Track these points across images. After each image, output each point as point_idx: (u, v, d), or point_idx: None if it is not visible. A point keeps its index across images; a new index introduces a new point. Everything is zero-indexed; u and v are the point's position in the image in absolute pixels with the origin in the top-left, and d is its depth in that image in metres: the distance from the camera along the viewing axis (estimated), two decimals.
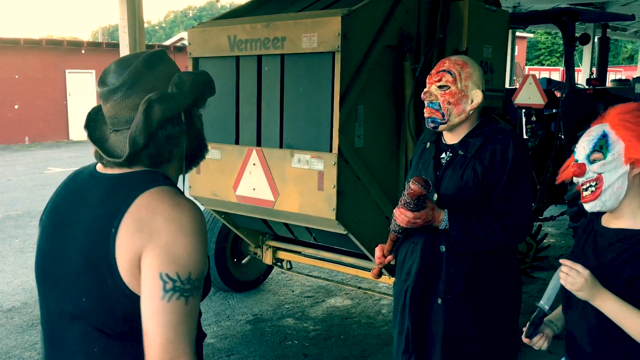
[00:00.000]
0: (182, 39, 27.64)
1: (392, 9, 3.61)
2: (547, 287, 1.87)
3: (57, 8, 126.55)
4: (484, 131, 2.32)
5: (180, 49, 21.53)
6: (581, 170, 1.74)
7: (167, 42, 29.81)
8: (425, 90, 2.37)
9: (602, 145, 1.73)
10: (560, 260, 1.75)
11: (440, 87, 2.32)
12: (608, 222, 1.80)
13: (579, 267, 1.69)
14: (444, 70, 2.33)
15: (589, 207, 1.75)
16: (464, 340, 2.30)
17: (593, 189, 1.73)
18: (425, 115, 2.36)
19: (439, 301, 2.31)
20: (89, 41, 23.87)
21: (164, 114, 1.35)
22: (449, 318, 2.30)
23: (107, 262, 1.31)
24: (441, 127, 2.35)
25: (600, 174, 1.71)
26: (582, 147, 1.77)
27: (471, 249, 2.24)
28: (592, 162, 1.73)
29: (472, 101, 2.32)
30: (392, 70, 3.71)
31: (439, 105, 2.31)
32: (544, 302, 1.85)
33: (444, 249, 2.29)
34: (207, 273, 1.44)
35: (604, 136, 1.73)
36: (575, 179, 1.77)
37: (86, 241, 1.34)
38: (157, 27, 73.73)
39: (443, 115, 2.32)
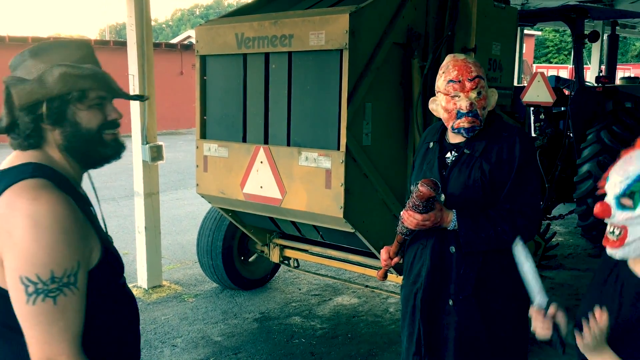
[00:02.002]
0: (189, 37, 27.66)
1: (400, 6, 3.59)
2: (527, 283, 1.68)
3: (64, 7, 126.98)
4: (489, 129, 2.29)
5: (188, 47, 21.55)
6: (605, 213, 1.50)
7: (174, 40, 29.83)
8: (460, 100, 2.20)
9: (636, 191, 1.47)
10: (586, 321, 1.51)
11: (478, 93, 2.22)
12: (635, 265, 1.58)
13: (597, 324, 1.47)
14: (478, 77, 2.22)
15: (609, 252, 1.55)
16: (477, 341, 2.28)
17: (616, 237, 1.51)
18: (465, 125, 2.21)
19: (450, 302, 2.29)
20: (96, 39, 23.91)
21: (19, 99, 1.38)
22: (461, 319, 2.28)
23: None
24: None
25: (626, 225, 1.49)
26: (614, 184, 1.51)
27: (481, 248, 2.22)
28: (622, 206, 1.49)
29: (490, 102, 2.29)
30: (400, 67, 3.69)
31: (477, 112, 2.22)
32: (540, 300, 1.64)
33: (454, 250, 2.27)
34: (110, 254, 1.45)
35: None
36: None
37: None
38: (164, 25, 73.86)
39: (481, 121, 2.24)
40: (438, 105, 2.31)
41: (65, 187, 1.40)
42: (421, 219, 2.16)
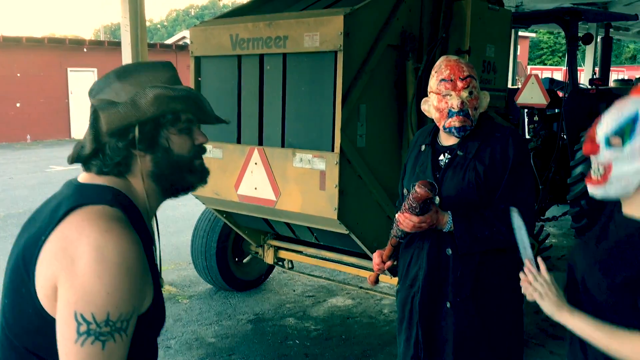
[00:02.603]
0: (184, 37, 27.65)
1: (394, 8, 3.60)
2: (521, 246, 1.79)
3: (59, 6, 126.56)
4: (482, 131, 2.30)
5: (182, 48, 21.53)
6: (593, 150, 1.55)
7: (169, 41, 29.81)
8: (451, 99, 2.22)
9: (626, 131, 1.49)
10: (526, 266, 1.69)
11: (470, 93, 2.23)
12: (630, 208, 1.60)
13: (544, 275, 1.62)
14: (470, 77, 2.23)
15: (589, 190, 1.59)
16: (475, 342, 2.29)
17: (599, 175, 1.55)
18: (456, 124, 2.22)
19: (448, 305, 2.29)
20: (91, 40, 23.86)
21: (109, 124, 1.29)
22: (459, 321, 2.28)
23: (26, 269, 1.24)
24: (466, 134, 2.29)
25: (611, 162, 1.52)
26: (606, 123, 1.54)
27: (477, 249, 2.23)
28: (610, 145, 1.52)
29: (482, 103, 2.30)
30: (394, 69, 3.70)
31: (468, 112, 2.23)
32: (528, 256, 1.74)
33: (450, 252, 2.27)
34: (158, 304, 1.35)
35: (634, 121, 1.49)
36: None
37: (25, 243, 1.29)
38: (159, 26, 73.74)
39: (472, 121, 2.25)
40: (430, 106, 2.32)
41: (137, 222, 1.32)
42: (418, 221, 2.15)
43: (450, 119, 2.23)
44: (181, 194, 1.46)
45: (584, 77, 12.25)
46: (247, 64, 3.82)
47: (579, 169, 6.23)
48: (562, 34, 6.75)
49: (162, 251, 6.20)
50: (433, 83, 2.29)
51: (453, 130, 2.25)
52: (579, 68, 8.21)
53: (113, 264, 1.18)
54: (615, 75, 21.81)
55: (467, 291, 2.26)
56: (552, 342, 4.29)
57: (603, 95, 6.97)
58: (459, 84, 2.22)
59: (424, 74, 3.68)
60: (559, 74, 25.55)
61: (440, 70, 2.26)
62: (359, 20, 3.38)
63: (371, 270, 2.60)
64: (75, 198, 1.28)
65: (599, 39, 9.37)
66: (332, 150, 3.41)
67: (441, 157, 2.34)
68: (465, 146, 2.29)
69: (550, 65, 37.67)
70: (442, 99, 2.24)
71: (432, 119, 2.38)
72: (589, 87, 7.32)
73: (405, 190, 2.32)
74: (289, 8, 3.97)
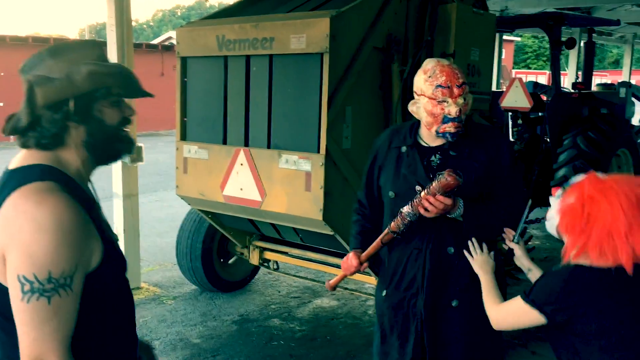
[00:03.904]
0: (170, 37, 27.53)
1: (380, 11, 3.63)
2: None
3: (44, 6, 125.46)
4: (470, 132, 2.35)
5: (169, 48, 21.43)
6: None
7: (155, 41, 29.65)
8: (448, 106, 2.23)
9: None
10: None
11: (464, 99, 2.25)
12: None
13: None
14: (464, 84, 2.26)
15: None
16: (482, 335, 2.35)
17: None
18: (452, 130, 2.24)
19: (454, 304, 2.34)
20: (76, 39, 23.65)
21: (45, 98, 1.40)
22: (466, 317, 2.35)
23: None
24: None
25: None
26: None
27: (483, 220, 2.31)
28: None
29: (469, 108, 2.32)
30: (380, 72, 3.73)
31: (462, 118, 2.26)
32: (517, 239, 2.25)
33: (452, 251, 2.32)
34: (112, 255, 1.47)
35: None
36: None
37: None
38: (145, 26, 73.33)
39: (462, 127, 2.28)
40: (420, 109, 2.30)
41: (71, 188, 1.42)
42: (450, 203, 2.18)
43: (445, 125, 2.25)
44: (113, 161, 1.58)
45: (567, 81, 12.39)
46: (234, 65, 3.83)
47: (561, 172, 6.31)
48: (547, 38, 6.83)
49: (146, 252, 6.19)
50: (427, 87, 2.25)
51: (447, 135, 2.27)
52: (562, 72, 8.30)
53: (50, 229, 1.31)
54: (599, 79, 22.07)
55: (472, 287, 2.31)
56: (534, 343, 4.34)
57: (586, 99, 7.06)
58: (456, 91, 2.23)
59: (409, 77, 3.71)
60: (543, 78, 25.80)
61: (436, 76, 2.24)
62: (345, 22, 3.40)
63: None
64: (9, 184, 1.39)
65: (582, 44, 9.48)
66: (318, 152, 3.43)
67: (433, 157, 2.35)
68: (457, 147, 2.32)
69: (535, 69, 38.01)
70: (437, 104, 2.24)
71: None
72: (572, 91, 7.41)
73: (418, 187, 2.29)
74: (276, 10, 3.99)
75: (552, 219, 1.92)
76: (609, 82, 11.57)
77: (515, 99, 6.08)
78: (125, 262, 1.59)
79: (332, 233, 3.56)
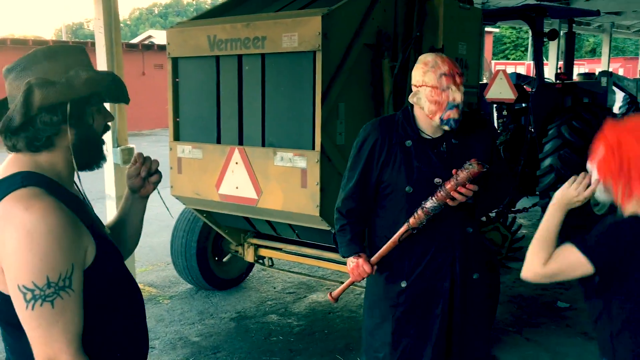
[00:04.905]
0: (150, 36, 27.31)
1: (370, 8, 3.68)
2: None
3: (17, 7, 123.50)
4: (464, 121, 2.45)
5: (149, 47, 21.28)
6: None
7: (135, 40, 29.41)
8: (453, 92, 2.32)
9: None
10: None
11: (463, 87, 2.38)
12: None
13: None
14: (462, 73, 2.39)
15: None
16: (491, 299, 2.73)
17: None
18: (456, 116, 2.34)
19: (475, 276, 2.53)
20: (55, 40, 23.40)
21: (43, 100, 1.41)
22: (485, 288, 2.64)
23: None
24: None
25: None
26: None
27: (487, 200, 2.53)
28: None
29: None
30: (371, 68, 3.78)
31: (462, 105, 2.37)
32: None
33: (471, 230, 2.51)
34: (107, 248, 1.51)
35: None
36: None
37: None
38: (122, 25, 72.56)
39: (461, 115, 2.39)
40: (421, 99, 2.36)
41: (55, 191, 1.44)
42: (476, 189, 2.30)
43: (449, 111, 2.33)
44: (95, 166, 1.59)
45: (548, 72, 12.53)
46: (226, 65, 3.86)
47: (547, 161, 6.43)
48: (525, 28, 6.96)
49: (138, 253, 6.18)
50: (429, 77, 2.32)
51: (451, 122, 2.34)
52: (544, 62, 8.41)
53: (39, 234, 1.33)
54: (577, 68, 22.34)
55: (483, 260, 2.61)
56: (527, 329, 4.44)
57: (568, 89, 7.19)
58: (457, 79, 2.35)
59: (399, 72, 3.77)
60: (522, 68, 26.03)
61: (438, 66, 2.33)
62: (336, 20, 3.45)
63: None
64: None
65: (562, 34, 9.62)
66: (313, 149, 3.48)
67: (441, 148, 2.44)
68: (457, 136, 2.45)
69: (514, 59, 38.30)
70: (441, 92, 2.32)
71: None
72: (555, 81, 7.53)
73: (437, 179, 2.36)
74: (265, 9, 4.02)
75: (597, 183, 1.87)
76: (588, 71, 11.72)
77: (500, 90, 6.17)
78: (121, 255, 1.63)
79: (329, 228, 3.61)
